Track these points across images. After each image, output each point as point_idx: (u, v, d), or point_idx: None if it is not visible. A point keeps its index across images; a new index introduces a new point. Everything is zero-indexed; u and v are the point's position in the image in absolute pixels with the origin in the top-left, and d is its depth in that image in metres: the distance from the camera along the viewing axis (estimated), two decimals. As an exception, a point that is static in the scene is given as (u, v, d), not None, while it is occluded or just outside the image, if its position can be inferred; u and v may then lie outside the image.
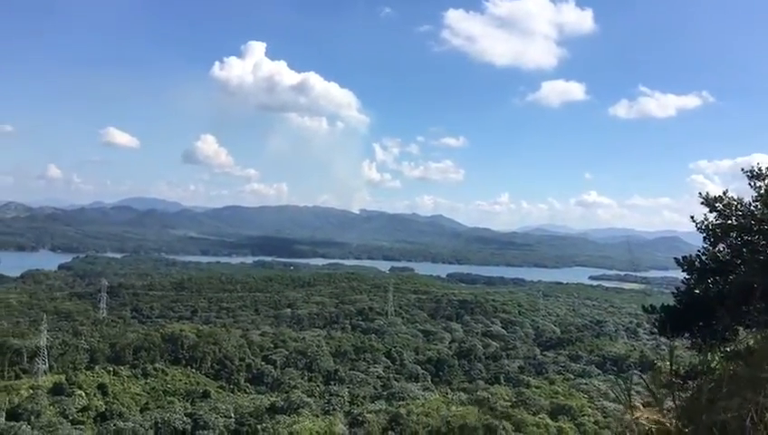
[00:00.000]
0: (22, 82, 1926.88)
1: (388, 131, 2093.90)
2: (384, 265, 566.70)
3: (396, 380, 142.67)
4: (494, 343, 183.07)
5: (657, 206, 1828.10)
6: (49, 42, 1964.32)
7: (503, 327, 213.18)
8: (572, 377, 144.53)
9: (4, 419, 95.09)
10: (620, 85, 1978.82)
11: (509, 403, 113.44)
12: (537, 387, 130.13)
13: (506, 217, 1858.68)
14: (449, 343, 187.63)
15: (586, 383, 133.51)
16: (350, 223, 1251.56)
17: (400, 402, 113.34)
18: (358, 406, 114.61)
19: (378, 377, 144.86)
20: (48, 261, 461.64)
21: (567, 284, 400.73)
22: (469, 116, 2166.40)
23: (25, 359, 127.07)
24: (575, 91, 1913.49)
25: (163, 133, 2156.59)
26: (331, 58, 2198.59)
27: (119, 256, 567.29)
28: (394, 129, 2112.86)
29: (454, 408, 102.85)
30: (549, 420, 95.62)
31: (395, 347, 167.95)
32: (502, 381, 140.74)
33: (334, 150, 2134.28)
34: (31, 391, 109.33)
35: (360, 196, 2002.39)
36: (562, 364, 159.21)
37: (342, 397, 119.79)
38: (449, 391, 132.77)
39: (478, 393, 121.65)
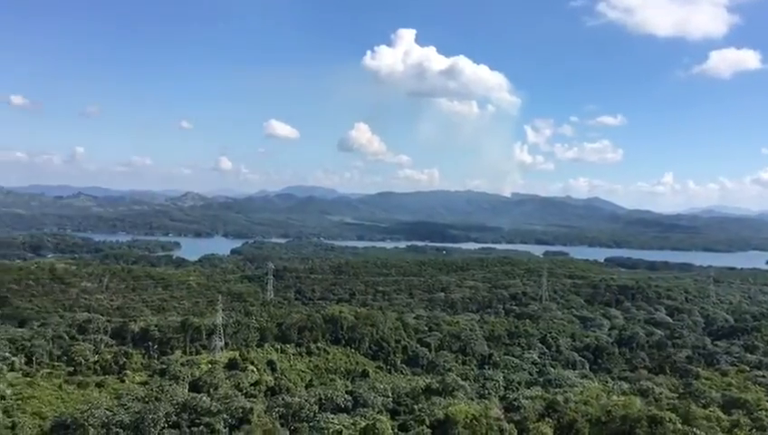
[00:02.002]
0: (196, 82, 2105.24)
1: (540, 112, 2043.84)
2: (537, 250, 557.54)
3: (552, 366, 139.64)
4: (659, 331, 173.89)
5: None
6: (217, 44, 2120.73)
7: (668, 314, 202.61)
8: (748, 369, 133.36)
9: (187, 389, 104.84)
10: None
11: (675, 394, 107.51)
12: (707, 378, 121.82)
13: (670, 198, 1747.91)
14: (608, 329, 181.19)
15: (764, 376, 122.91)
16: (502, 207, 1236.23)
17: (557, 389, 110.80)
18: (513, 391, 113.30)
19: (533, 363, 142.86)
20: (221, 246, 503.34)
21: (741, 269, 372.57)
22: (628, 92, 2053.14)
23: (204, 336, 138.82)
24: (749, 59, 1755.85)
25: (320, 123, 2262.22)
26: (481, 40, 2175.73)
27: (282, 241, 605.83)
28: (546, 109, 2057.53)
29: (615, 397, 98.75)
30: (721, 414, 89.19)
31: (550, 333, 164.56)
32: (667, 371, 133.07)
33: (485, 134, 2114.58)
34: (209, 366, 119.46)
35: (512, 179, 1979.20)
36: (736, 355, 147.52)
37: (497, 381, 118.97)
38: (609, 379, 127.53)
39: (641, 383, 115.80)
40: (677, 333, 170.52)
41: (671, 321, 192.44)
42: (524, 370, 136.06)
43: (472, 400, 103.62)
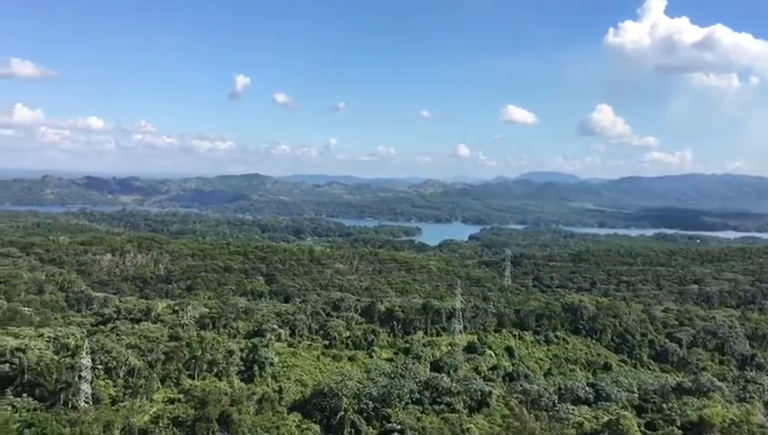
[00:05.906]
0: (435, 72, 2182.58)
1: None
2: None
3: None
4: None
5: None
6: (453, 33, 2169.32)
7: None
8: None
9: (429, 369, 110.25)
10: None
11: None
12: None
13: None
14: None
15: None
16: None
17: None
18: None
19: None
20: (460, 231, 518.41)
21: None
22: None
23: (444, 318, 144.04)
24: None
25: (558, 107, 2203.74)
26: (742, 5, 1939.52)
27: (520, 227, 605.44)
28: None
29: None
30: None
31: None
32: None
33: (748, 110, 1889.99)
34: (449, 348, 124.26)
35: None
36: None
37: (761, 385, 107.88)
38: None
39: None
40: None
41: None
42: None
43: (730, 403, 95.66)
